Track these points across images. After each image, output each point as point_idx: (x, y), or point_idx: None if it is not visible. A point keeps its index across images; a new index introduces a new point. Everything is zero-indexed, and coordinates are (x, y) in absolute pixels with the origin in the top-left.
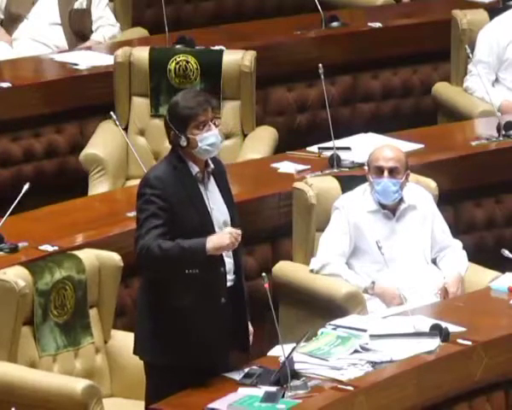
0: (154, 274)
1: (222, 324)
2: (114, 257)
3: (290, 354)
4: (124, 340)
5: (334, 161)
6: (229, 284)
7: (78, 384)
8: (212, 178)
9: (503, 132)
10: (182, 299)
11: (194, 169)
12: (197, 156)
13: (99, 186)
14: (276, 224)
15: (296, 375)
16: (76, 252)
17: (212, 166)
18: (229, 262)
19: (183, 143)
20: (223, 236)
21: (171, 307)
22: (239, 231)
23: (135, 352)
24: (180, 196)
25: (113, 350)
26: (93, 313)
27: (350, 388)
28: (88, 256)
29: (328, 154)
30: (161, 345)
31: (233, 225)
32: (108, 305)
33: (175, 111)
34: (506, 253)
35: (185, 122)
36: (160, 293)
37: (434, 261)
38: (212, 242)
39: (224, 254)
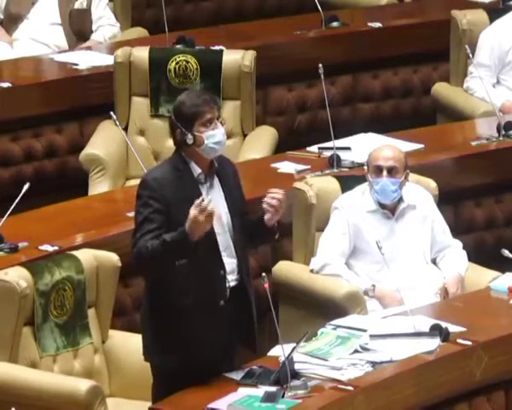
0: (151, 274)
1: (221, 326)
2: (112, 257)
3: (290, 354)
4: (122, 340)
5: (334, 161)
6: (233, 283)
7: (82, 385)
8: (216, 179)
9: (503, 132)
10: (181, 301)
11: (197, 171)
12: (202, 155)
13: (99, 186)
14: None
15: (296, 375)
16: (74, 252)
17: (216, 165)
18: (231, 262)
19: (190, 140)
20: (190, 217)
21: (171, 310)
22: (204, 203)
23: (144, 355)
24: (178, 198)
25: (111, 350)
26: (91, 313)
27: (350, 388)
28: (86, 256)
29: (328, 154)
30: (162, 348)
31: (233, 228)
32: (106, 305)
33: (181, 110)
34: (506, 253)
35: (192, 120)
36: (160, 296)
37: (434, 261)
38: (187, 224)
39: (225, 255)
